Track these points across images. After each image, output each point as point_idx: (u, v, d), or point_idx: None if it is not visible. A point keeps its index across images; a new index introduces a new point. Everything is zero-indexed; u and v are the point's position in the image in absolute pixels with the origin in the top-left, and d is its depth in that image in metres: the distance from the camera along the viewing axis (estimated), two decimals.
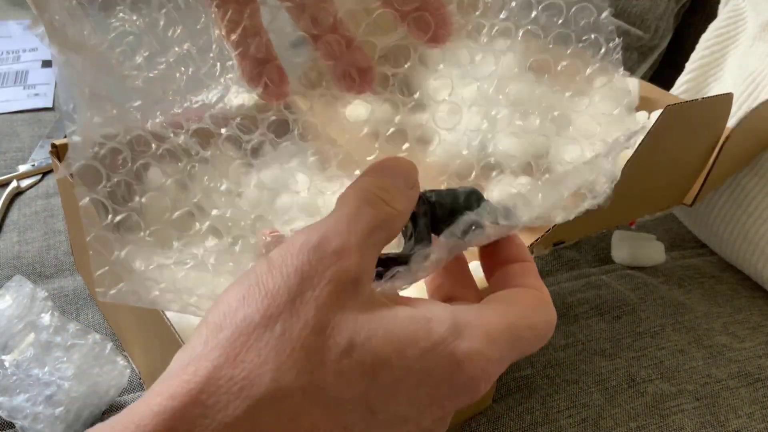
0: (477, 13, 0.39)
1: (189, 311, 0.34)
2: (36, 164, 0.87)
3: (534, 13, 0.38)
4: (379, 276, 0.31)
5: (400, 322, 0.27)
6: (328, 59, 0.37)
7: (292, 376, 0.25)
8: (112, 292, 0.34)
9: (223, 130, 0.50)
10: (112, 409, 0.57)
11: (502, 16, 0.39)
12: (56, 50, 0.31)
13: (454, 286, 0.35)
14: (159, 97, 0.35)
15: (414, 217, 0.33)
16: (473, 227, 0.33)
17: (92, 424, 0.56)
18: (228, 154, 0.43)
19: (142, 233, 0.42)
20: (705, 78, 0.83)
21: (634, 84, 0.75)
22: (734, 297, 0.74)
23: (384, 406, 0.27)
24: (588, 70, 0.39)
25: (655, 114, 0.71)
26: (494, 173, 0.61)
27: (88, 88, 0.32)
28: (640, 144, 0.55)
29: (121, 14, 0.34)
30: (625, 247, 0.77)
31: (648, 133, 0.54)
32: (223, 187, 0.61)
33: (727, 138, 0.62)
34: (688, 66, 0.85)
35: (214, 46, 0.36)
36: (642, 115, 0.71)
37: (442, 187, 0.36)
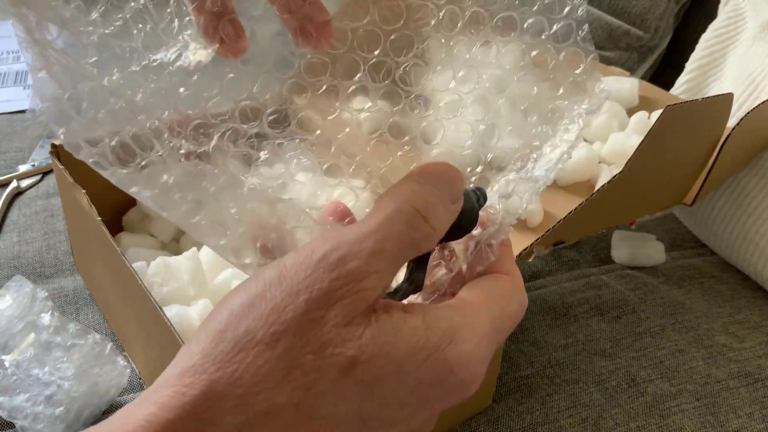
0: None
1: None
2: (36, 164, 0.87)
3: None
4: None
5: (403, 336, 0.27)
6: (284, 13, 0.35)
7: (287, 393, 0.25)
8: None
9: (221, 130, 0.50)
10: (112, 409, 0.57)
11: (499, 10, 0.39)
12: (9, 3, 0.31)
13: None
14: (116, 54, 0.35)
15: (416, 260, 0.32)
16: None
17: (92, 424, 0.56)
18: (228, 152, 0.43)
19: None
20: (705, 78, 0.83)
21: (634, 84, 0.75)
22: (734, 297, 0.74)
23: (376, 415, 0.27)
24: (561, 54, 0.39)
25: (655, 114, 0.71)
26: (495, 170, 0.61)
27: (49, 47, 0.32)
28: (640, 144, 0.55)
29: None
30: (625, 247, 0.77)
31: (648, 133, 0.54)
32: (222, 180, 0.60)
33: (727, 138, 0.62)
34: (688, 66, 0.85)
35: (171, 1, 0.35)
36: (642, 114, 0.71)
37: None
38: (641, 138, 0.56)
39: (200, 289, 0.56)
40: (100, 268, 0.62)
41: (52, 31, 0.32)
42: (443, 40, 0.41)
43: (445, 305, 0.30)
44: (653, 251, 0.77)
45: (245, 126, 0.41)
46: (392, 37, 0.40)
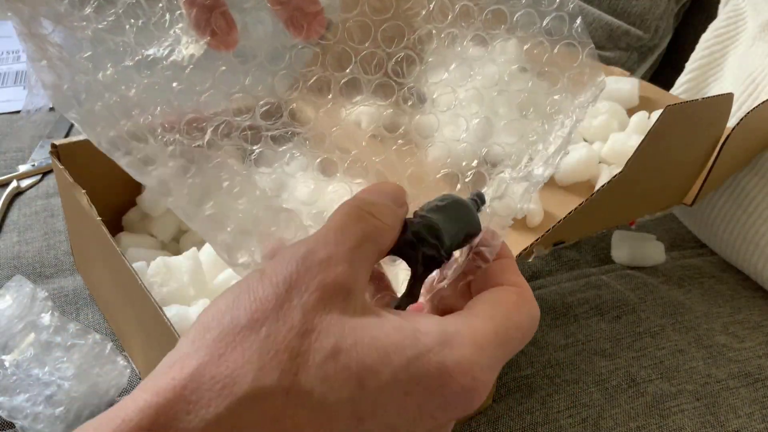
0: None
1: None
2: (36, 164, 0.87)
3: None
4: None
5: (387, 330, 0.28)
6: (275, 4, 0.36)
7: (275, 376, 0.26)
8: None
9: (214, 124, 0.50)
10: None
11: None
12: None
13: (455, 298, 0.35)
14: (110, 48, 0.35)
15: (414, 270, 0.33)
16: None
17: None
18: (221, 146, 0.43)
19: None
20: (705, 78, 0.83)
21: (634, 84, 0.75)
22: (734, 297, 0.74)
23: (371, 413, 0.27)
24: (555, 49, 0.39)
25: (655, 114, 0.71)
26: (490, 165, 0.61)
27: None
28: (640, 144, 0.55)
29: None
30: (625, 247, 0.77)
31: (648, 133, 0.54)
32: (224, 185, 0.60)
33: (727, 138, 0.62)
34: (688, 66, 0.85)
35: None
36: (642, 114, 0.71)
37: (444, 188, 0.36)
38: (641, 138, 0.56)
39: (200, 289, 0.56)
40: (100, 268, 0.62)
41: (47, 26, 0.33)
42: (434, 32, 0.41)
43: (443, 317, 0.30)
44: (653, 251, 0.77)
45: (238, 119, 0.41)
46: (383, 27, 0.40)
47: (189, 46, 0.36)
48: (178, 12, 0.36)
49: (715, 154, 0.64)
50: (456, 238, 0.33)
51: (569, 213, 0.54)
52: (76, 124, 0.32)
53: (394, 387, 0.27)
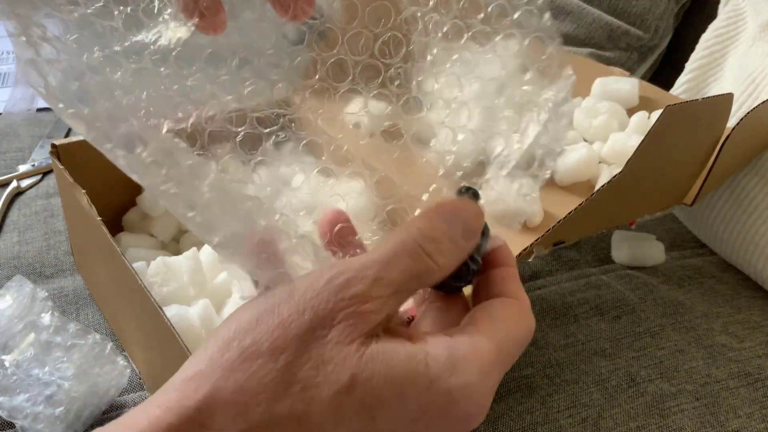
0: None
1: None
2: (36, 164, 0.87)
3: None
4: None
5: (401, 358, 0.28)
6: None
7: (287, 405, 0.26)
8: None
9: (212, 128, 0.50)
10: (112, 408, 0.57)
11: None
12: None
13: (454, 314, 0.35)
14: (98, 32, 0.35)
15: None
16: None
17: (92, 423, 0.56)
18: (226, 151, 0.43)
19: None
20: (705, 78, 0.83)
21: (634, 84, 0.75)
22: (734, 297, 0.74)
23: None
24: (526, 41, 0.40)
25: (655, 114, 0.72)
26: (493, 172, 0.61)
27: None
28: (640, 144, 0.55)
29: None
30: (625, 247, 0.77)
31: (648, 133, 0.54)
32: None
33: (727, 138, 0.62)
34: (688, 66, 0.85)
35: None
36: (642, 114, 0.71)
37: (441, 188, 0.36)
38: (641, 138, 0.56)
39: (200, 289, 0.56)
40: (100, 269, 0.63)
41: (32, 7, 0.33)
42: (419, 14, 0.41)
43: (449, 332, 0.30)
44: (653, 251, 0.77)
45: (235, 128, 0.41)
46: (371, 6, 0.41)
47: (177, 30, 0.36)
48: None
49: (715, 154, 0.64)
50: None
51: (569, 213, 0.54)
52: (50, 101, 0.32)
53: (404, 417, 0.27)
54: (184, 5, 0.35)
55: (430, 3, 0.41)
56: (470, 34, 0.42)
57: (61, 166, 0.61)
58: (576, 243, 0.79)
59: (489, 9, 0.39)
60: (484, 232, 0.33)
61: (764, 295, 0.75)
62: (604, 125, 0.71)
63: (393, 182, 0.51)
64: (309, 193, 0.57)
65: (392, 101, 0.45)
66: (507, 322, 0.31)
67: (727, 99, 0.63)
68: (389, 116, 0.61)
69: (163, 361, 0.53)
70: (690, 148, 0.63)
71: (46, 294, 0.60)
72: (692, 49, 0.86)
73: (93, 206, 0.56)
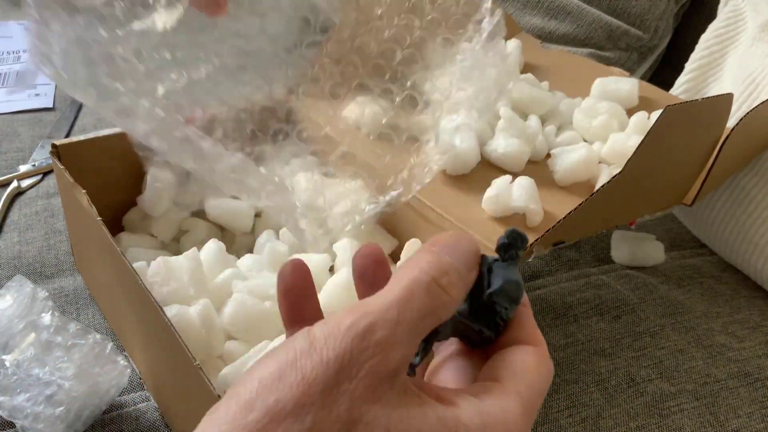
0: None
1: None
2: (36, 164, 0.87)
3: None
4: None
5: (432, 422, 0.27)
6: None
7: None
8: None
9: (220, 131, 0.51)
10: (113, 408, 0.57)
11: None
12: None
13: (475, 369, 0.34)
14: (100, 16, 0.36)
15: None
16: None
17: (93, 423, 0.56)
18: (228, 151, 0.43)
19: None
20: (704, 78, 0.83)
21: (633, 84, 0.75)
22: (734, 297, 0.74)
23: None
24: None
25: (655, 114, 0.72)
26: (493, 171, 0.61)
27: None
28: (640, 144, 0.55)
29: None
30: (624, 247, 0.77)
31: (648, 133, 0.54)
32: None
33: (727, 138, 0.62)
34: (688, 66, 0.85)
35: None
36: (642, 115, 0.71)
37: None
38: (641, 138, 0.56)
39: (200, 289, 0.56)
40: (100, 268, 0.63)
41: None
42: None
43: (476, 392, 0.29)
44: (653, 251, 0.77)
45: (243, 118, 0.42)
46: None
47: (171, 10, 0.38)
48: None
49: (714, 154, 0.64)
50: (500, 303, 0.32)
51: (569, 213, 0.54)
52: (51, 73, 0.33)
53: None
54: None
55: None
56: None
57: (62, 166, 0.61)
58: (576, 243, 0.79)
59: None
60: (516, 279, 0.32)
61: (764, 294, 0.75)
62: (604, 125, 0.71)
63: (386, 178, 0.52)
64: (309, 192, 0.57)
65: (392, 99, 0.46)
66: (530, 375, 0.30)
67: (726, 99, 0.63)
68: (388, 115, 0.62)
69: (163, 361, 0.53)
70: (690, 148, 0.63)
71: (47, 294, 0.60)
72: (692, 50, 0.86)
73: (93, 206, 0.56)
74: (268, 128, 0.62)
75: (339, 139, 0.63)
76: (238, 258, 0.62)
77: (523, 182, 0.61)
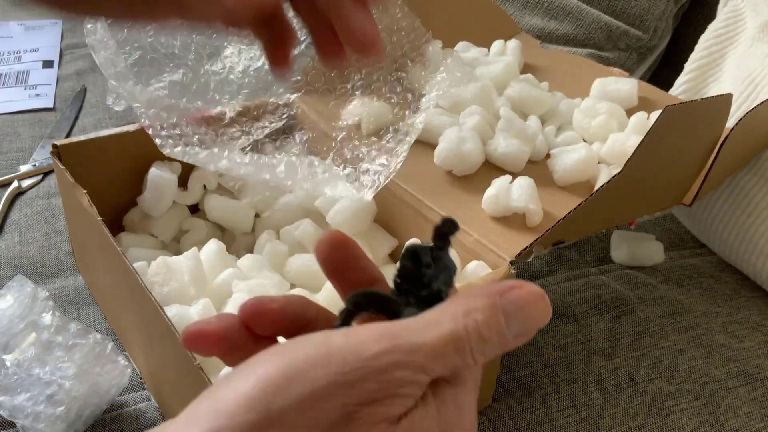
0: None
1: None
2: (37, 164, 0.87)
3: None
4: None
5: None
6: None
7: None
8: None
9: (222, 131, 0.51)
10: (113, 408, 0.57)
11: None
12: None
13: None
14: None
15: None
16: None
17: (93, 423, 0.56)
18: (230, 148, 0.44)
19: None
20: (704, 78, 0.83)
21: (633, 84, 0.76)
22: (733, 297, 0.74)
23: None
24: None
25: (655, 114, 0.72)
26: (493, 171, 0.61)
27: None
28: (639, 144, 0.55)
29: None
30: (624, 247, 0.77)
31: (647, 133, 0.55)
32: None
33: (727, 138, 0.62)
34: (687, 66, 0.85)
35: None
36: (641, 115, 0.72)
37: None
38: (640, 138, 0.56)
39: (200, 289, 0.57)
40: (100, 268, 0.63)
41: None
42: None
43: (450, 388, 0.28)
44: (652, 251, 0.77)
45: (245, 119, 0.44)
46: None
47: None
48: None
49: (714, 154, 0.64)
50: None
51: (569, 213, 0.54)
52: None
53: None
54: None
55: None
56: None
57: (62, 167, 0.61)
58: (575, 243, 0.79)
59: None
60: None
61: (763, 294, 0.75)
62: (604, 125, 0.71)
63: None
64: (307, 196, 0.58)
65: (394, 101, 0.47)
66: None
67: (726, 99, 0.63)
68: (389, 117, 0.62)
69: (163, 360, 0.53)
70: (689, 149, 0.63)
71: (47, 294, 0.60)
72: (691, 50, 0.86)
73: (94, 206, 0.56)
74: (267, 128, 0.62)
75: (336, 137, 0.64)
76: (238, 258, 0.62)
77: (523, 182, 0.61)
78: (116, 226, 0.69)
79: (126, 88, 0.46)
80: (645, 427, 0.59)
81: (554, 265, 0.76)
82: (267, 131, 0.59)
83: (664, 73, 1.07)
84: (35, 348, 0.55)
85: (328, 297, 0.56)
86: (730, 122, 0.64)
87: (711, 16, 0.89)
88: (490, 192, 0.61)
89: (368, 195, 0.52)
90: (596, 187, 0.63)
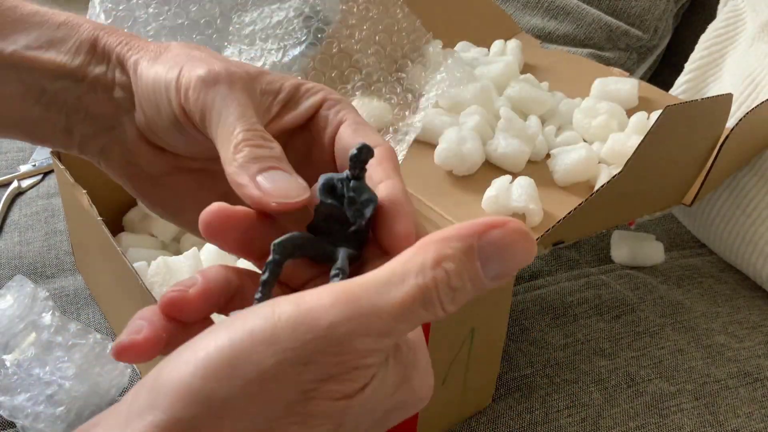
0: None
1: None
2: (37, 164, 0.87)
3: None
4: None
5: (386, 394, 0.25)
6: None
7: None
8: None
9: None
10: None
11: None
12: None
13: None
14: None
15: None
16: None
17: None
18: None
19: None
20: (704, 78, 0.83)
21: (633, 84, 0.76)
22: (733, 297, 0.74)
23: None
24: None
25: (655, 114, 0.72)
26: (493, 171, 0.61)
27: None
28: (639, 144, 0.55)
29: None
30: (624, 247, 0.77)
31: (648, 133, 0.55)
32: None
33: (727, 138, 0.62)
34: (688, 66, 0.85)
35: None
36: (641, 115, 0.72)
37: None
38: (640, 138, 0.56)
39: None
40: (100, 268, 0.63)
41: None
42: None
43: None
44: (652, 251, 0.77)
45: None
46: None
47: None
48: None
49: (714, 154, 0.64)
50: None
51: (569, 213, 0.54)
52: None
53: (368, 421, 0.25)
54: None
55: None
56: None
57: (62, 167, 0.61)
58: (576, 243, 0.79)
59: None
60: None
61: (763, 294, 0.75)
62: (604, 125, 0.71)
63: None
64: None
65: (396, 101, 0.47)
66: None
67: (726, 99, 0.63)
68: (390, 116, 0.62)
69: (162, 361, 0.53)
70: (689, 149, 0.63)
71: (47, 294, 0.60)
72: (692, 50, 0.86)
73: (93, 206, 0.56)
74: None
75: None
76: (238, 258, 0.62)
77: (523, 182, 0.61)
78: (116, 226, 0.69)
79: None
80: (645, 427, 0.59)
81: (554, 265, 0.76)
82: None
83: (664, 73, 1.07)
84: (35, 348, 0.55)
85: None
86: (731, 122, 0.64)
87: (711, 15, 0.89)
88: (490, 192, 0.61)
89: None
90: (596, 187, 0.63)
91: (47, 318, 0.57)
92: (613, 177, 0.55)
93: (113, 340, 0.60)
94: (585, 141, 0.71)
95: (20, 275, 0.62)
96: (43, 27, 0.36)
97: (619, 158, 0.65)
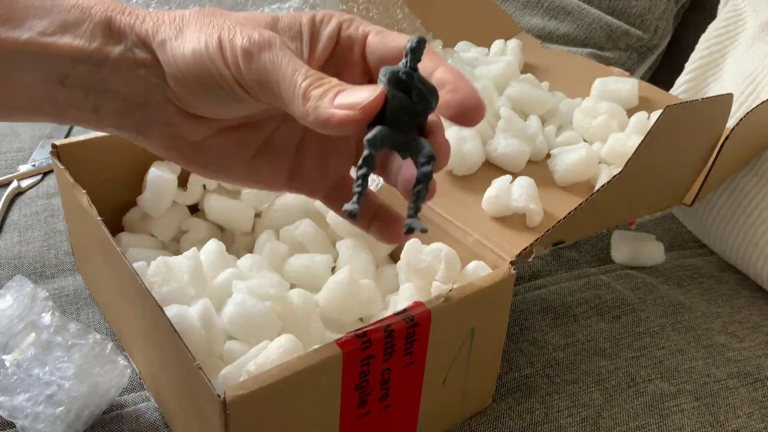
0: None
1: None
2: (36, 164, 0.87)
3: None
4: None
5: None
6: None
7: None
8: None
9: None
10: (113, 408, 0.57)
11: None
12: None
13: None
14: None
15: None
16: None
17: (93, 423, 0.56)
18: None
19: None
20: (704, 78, 0.83)
21: (633, 84, 0.76)
22: (734, 297, 0.74)
23: None
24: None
25: (655, 114, 0.72)
26: (493, 171, 0.61)
27: None
28: (639, 144, 0.55)
29: None
30: (624, 247, 0.77)
31: (648, 133, 0.55)
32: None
33: (727, 138, 0.62)
34: (688, 66, 0.85)
35: None
36: (641, 115, 0.72)
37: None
38: (641, 138, 0.56)
39: (200, 289, 0.56)
40: (100, 268, 0.63)
41: None
42: None
43: None
44: (653, 251, 0.77)
45: None
46: None
47: None
48: None
49: (714, 154, 0.64)
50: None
51: (569, 213, 0.54)
52: None
53: None
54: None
55: None
56: None
57: (62, 166, 0.61)
58: (576, 243, 0.79)
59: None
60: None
61: (764, 294, 0.75)
62: (604, 125, 0.71)
63: None
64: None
65: None
66: None
67: (726, 99, 0.63)
68: None
69: (163, 360, 0.53)
70: (689, 149, 0.63)
71: (47, 294, 0.60)
72: (692, 49, 0.86)
73: (93, 206, 0.56)
74: None
75: None
76: (238, 258, 0.62)
77: (523, 182, 0.61)
78: (116, 226, 0.69)
79: None
80: (645, 428, 0.59)
81: (554, 265, 0.76)
82: None
83: (664, 73, 1.07)
84: (35, 348, 0.55)
85: (328, 297, 0.56)
86: (731, 122, 0.64)
87: (711, 15, 0.89)
88: (490, 192, 0.61)
89: None
90: (596, 187, 0.63)
91: (47, 318, 0.57)
92: (614, 177, 0.55)
93: (113, 341, 0.59)
94: (585, 141, 0.71)
95: (20, 275, 0.61)
96: (54, 11, 0.37)
97: (620, 158, 0.65)
